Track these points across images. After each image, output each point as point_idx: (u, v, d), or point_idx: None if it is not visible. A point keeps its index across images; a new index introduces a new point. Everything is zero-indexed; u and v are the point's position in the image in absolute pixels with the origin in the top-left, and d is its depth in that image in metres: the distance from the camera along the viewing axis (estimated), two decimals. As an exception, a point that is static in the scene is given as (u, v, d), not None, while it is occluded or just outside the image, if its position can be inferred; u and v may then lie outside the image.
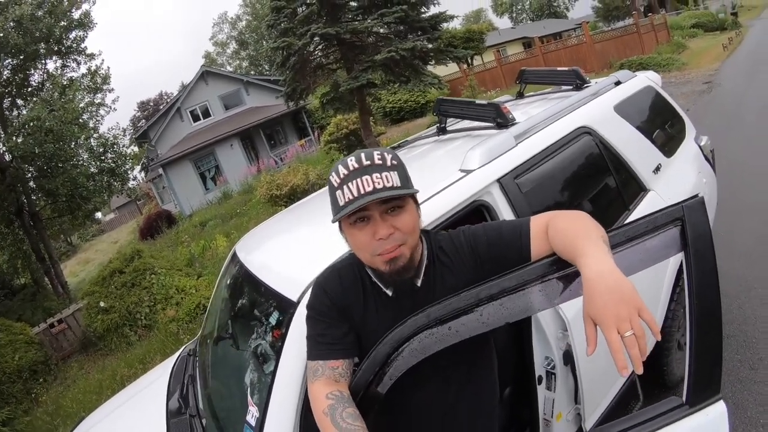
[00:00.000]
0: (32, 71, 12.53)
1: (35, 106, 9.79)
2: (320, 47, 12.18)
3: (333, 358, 1.17)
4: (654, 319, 0.91)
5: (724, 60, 15.73)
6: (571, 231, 1.08)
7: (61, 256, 16.70)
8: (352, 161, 1.11)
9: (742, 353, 2.73)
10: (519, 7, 65.98)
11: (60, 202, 11.18)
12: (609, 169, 2.40)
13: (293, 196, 10.36)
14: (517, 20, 63.69)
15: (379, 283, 1.23)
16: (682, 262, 2.51)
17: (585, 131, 2.38)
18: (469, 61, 26.23)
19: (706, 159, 3.05)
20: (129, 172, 12.48)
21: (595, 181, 2.37)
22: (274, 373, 1.47)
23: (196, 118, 25.25)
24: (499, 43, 34.39)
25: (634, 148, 2.57)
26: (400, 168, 1.13)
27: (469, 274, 1.21)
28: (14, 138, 10.47)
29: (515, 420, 2.04)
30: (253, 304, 1.94)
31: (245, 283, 2.09)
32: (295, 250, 1.99)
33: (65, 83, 12.35)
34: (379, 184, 1.07)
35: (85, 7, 12.93)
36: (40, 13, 11.57)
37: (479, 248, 1.24)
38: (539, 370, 1.85)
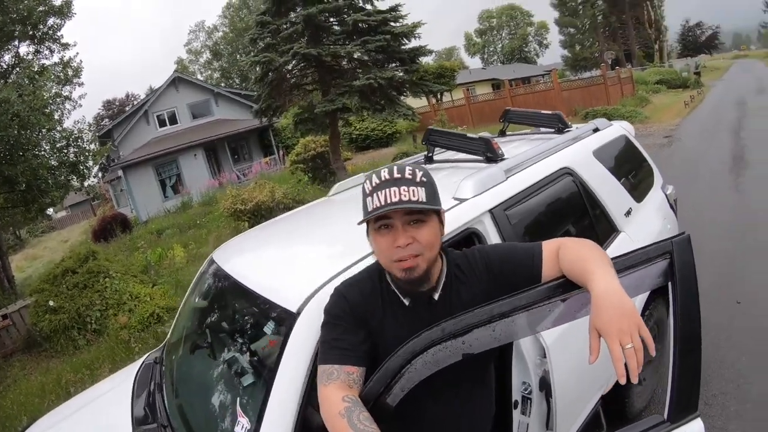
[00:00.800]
0: (3, 53, 12.09)
1: (4, 89, 9.36)
2: (299, 67, 12.29)
3: (349, 364, 1.20)
4: (650, 337, 1.02)
5: (685, 117, 16.50)
6: (581, 255, 1.19)
7: (8, 249, 15.77)
8: (384, 173, 1.20)
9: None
10: (491, 49, 68.55)
11: (17, 191, 10.66)
12: (587, 209, 2.55)
13: (257, 212, 10.22)
14: (488, 61, 66.02)
15: (397, 292, 1.29)
16: (645, 301, 2.65)
17: (567, 172, 2.53)
18: (439, 96, 26.93)
19: (671, 207, 3.27)
20: (90, 169, 12.04)
21: (574, 219, 2.52)
22: (269, 383, 1.46)
23: (162, 124, 24.89)
24: (469, 82, 35.41)
25: (609, 191, 2.75)
26: (428, 185, 1.21)
27: (483, 285, 1.30)
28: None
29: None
30: (243, 314, 1.94)
31: (232, 293, 2.08)
32: (287, 262, 2.02)
33: (37, 70, 11.94)
34: (405, 196, 1.15)
35: None
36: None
37: (493, 264, 1.33)
38: (516, 394, 1.92)
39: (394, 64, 12.18)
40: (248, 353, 1.75)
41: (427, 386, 1.17)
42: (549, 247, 1.31)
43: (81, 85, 13.56)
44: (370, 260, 1.56)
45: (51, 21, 12.73)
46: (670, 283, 1.20)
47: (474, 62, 66.79)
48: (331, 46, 11.51)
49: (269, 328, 1.64)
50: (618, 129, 3.28)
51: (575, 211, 2.53)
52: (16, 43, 12.41)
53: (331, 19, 11.93)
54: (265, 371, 1.55)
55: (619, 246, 2.54)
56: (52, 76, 11.97)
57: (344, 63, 12.29)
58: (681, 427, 1.16)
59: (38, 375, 5.72)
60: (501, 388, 1.96)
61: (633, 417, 2.59)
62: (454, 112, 24.03)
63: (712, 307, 3.66)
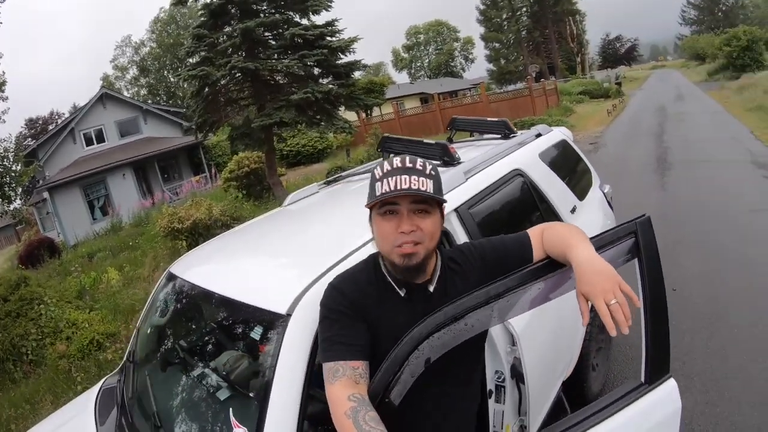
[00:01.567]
0: None
1: None
2: (235, 81, 12.12)
3: (354, 359, 1.21)
4: (631, 291, 1.16)
5: (608, 124, 17.73)
6: (562, 234, 1.34)
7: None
8: (397, 161, 1.26)
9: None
10: (418, 64, 70.32)
11: (-65, 215, 9.69)
12: (537, 207, 2.72)
13: (195, 231, 9.90)
14: (416, 76, 67.66)
15: (393, 283, 1.33)
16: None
17: (518, 173, 2.69)
18: (368, 111, 27.37)
19: (609, 204, 3.53)
20: (16, 191, 11.17)
21: (527, 216, 2.68)
22: (266, 389, 1.42)
23: (89, 142, 23.60)
24: (398, 96, 36.21)
25: (556, 190, 2.94)
26: (436, 179, 1.28)
27: (477, 274, 1.38)
28: None
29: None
30: (220, 325, 1.91)
31: (204, 305, 2.05)
32: (263, 269, 2.02)
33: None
34: (414, 185, 1.21)
35: None
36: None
37: (486, 254, 1.42)
38: (490, 383, 2.00)
39: (328, 79, 12.30)
40: (233, 363, 1.72)
41: (429, 373, 1.22)
42: (534, 233, 1.43)
43: (5, 99, 12.60)
44: (358, 256, 1.61)
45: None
46: (636, 259, 1.34)
47: (401, 77, 68.47)
48: (268, 61, 11.46)
49: (257, 333, 1.60)
50: (558, 134, 3.53)
51: (528, 209, 2.69)
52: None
53: (267, 34, 11.89)
54: (259, 377, 1.52)
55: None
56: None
57: (279, 78, 12.26)
58: (657, 387, 1.29)
59: (-26, 412, 5.22)
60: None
61: (592, 399, 2.76)
62: (384, 126, 24.41)
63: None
